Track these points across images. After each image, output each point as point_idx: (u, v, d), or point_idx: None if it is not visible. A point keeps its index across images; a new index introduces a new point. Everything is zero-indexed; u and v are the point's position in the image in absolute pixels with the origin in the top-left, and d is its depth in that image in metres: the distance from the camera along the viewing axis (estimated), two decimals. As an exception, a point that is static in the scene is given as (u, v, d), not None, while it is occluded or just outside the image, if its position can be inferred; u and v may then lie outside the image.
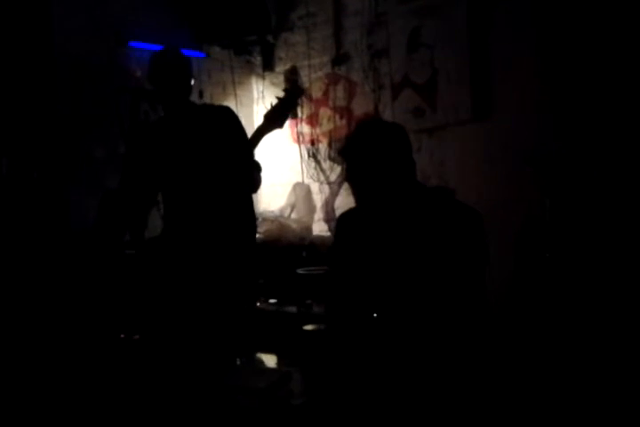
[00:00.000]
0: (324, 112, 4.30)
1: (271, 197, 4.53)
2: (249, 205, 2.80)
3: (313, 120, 4.35)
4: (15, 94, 3.43)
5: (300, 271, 3.65)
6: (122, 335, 2.36)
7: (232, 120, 2.74)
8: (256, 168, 2.76)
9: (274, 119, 2.67)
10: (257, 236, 3.89)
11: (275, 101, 2.72)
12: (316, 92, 4.37)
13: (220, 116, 2.74)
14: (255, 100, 4.75)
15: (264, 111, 4.54)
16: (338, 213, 4.14)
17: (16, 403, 2.04)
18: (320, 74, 4.35)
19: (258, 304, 3.69)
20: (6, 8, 3.42)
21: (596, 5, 3.02)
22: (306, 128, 4.40)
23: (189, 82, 2.72)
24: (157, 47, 3.97)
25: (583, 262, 2.88)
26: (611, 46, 2.99)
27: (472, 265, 1.89)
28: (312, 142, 4.36)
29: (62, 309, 3.07)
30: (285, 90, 2.74)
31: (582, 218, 2.99)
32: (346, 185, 3.83)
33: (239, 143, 2.73)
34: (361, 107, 4.15)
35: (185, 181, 2.70)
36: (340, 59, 4.23)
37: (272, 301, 3.78)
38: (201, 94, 4.19)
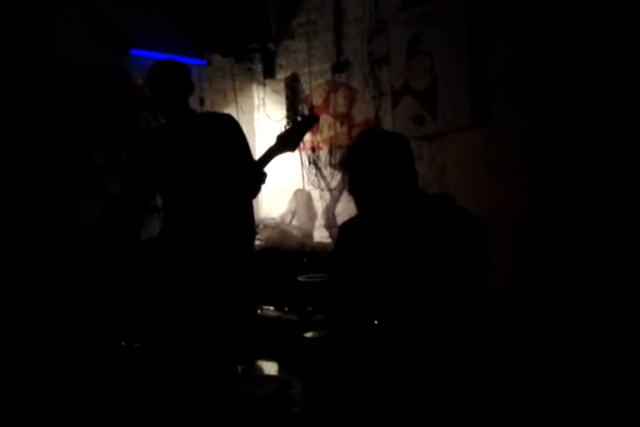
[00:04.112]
0: (325, 119, 4.31)
1: (272, 204, 4.55)
2: (248, 211, 2.80)
3: (314, 127, 4.37)
4: (17, 101, 3.44)
5: (300, 279, 3.65)
6: (123, 343, 2.36)
7: (233, 127, 2.76)
8: (260, 177, 2.76)
9: (287, 142, 2.71)
10: (258, 243, 3.91)
11: (289, 126, 2.76)
12: (317, 100, 4.39)
13: (222, 124, 2.76)
14: (256, 108, 4.77)
15: (265, 119, 4.68)
16: (339, 219, 4.15)
17: (17, 409, 2.04)
18: (320, 81, 4.37)
19: (259, 311, 3.69)
20: (8, 15, 3.44)
21: (595, 10, 3.04)
22: (306, 135, 4.41)
23: (186, 90, 2.73)
24: (159, 55, 4.02)
25: (583, 268, 2.88)
26: (610, 52, 3.00)
27: (474, 274, 1.90)
28: (313, 149, 4.38)
29: (63, 315, 3.08)
30: (302, 115, 2.79)
31: (582, 224, 3.00)
32: (346, 192, 3.84)
33: (240, 150, 2.75)
34: (361, 114, 4.16)
35: (185, 187, 2.71)
36: (340, 66, 4.25)
37: (272, 308, 3.78)
38: (202, 102, 4.21)
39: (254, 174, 2.68)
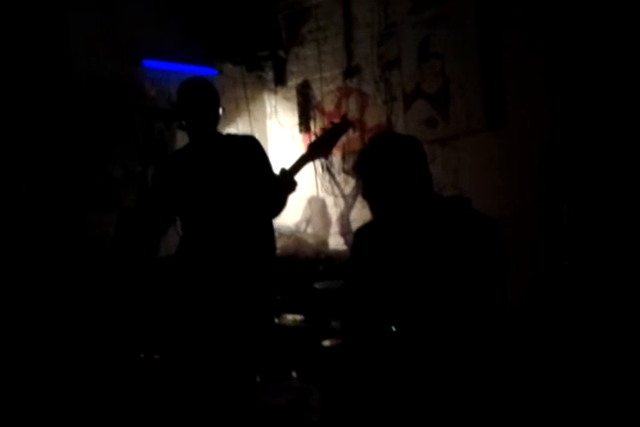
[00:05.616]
0: (337, 125, 4.29)
1: (286, 212, 4.47)
2: (269, 229, 2.80)
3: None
4: (33, 114, 3.47)
5: (317, 286, 3.64)
6: (142, 355, 2.36)
7: (256, 151, 2.77)
8: (290, 187, 2.75)
9: (318, 149, 2.72)
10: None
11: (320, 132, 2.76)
12: (329, 105, 4.38)
13: (246, 147, 2.77)
14: (268, 115, 4.77)
15: (277, 126, 4.68)
16: (353, 225, 4.13)
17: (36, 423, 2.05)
18: (332, 87, 4.37)
19: (276, 320, 3.68)
20: (24, 28, 3.48)
21: (608, 12, 3.01)
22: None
23: (219, 113, 2.75)
24: (171, 65, 4.04)
25: (602, 269, 2.85)
26: (624, 54, 2.97)
27: (492, 277, 1.88)
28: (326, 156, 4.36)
29: (81, 328, 3.09)
30: (333, 122, 2.79)
31: (600, 224, 2.96)
32: (360, 198, 3.82)
33: (262, 174, 2.74)
34: (373, 119, 4.15)
35: (206, 210, 2.70)
36: (351, 71, 4.24)
37: (289, 316, 3.77)
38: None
39: (275, 197, 2.68)
